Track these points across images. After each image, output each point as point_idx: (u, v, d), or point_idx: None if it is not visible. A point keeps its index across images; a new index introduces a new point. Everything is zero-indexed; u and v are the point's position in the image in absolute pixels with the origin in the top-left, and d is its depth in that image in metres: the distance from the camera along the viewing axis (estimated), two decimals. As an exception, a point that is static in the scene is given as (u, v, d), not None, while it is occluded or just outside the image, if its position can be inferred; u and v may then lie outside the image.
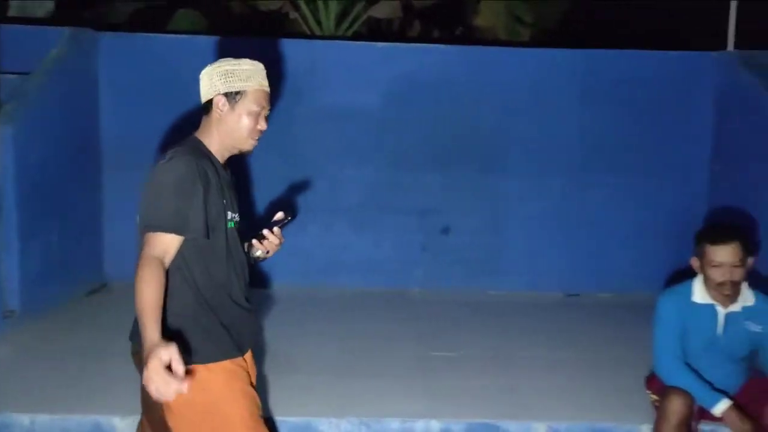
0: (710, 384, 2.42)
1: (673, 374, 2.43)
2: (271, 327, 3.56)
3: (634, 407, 2.72)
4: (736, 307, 2.46)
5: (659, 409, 2.38)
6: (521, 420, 2.61)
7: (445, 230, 4.53)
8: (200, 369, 1.69)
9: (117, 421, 2.50)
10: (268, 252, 1.95)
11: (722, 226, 2.42)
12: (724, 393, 2.40)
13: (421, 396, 2.80)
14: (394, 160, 4.49)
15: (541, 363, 3.23)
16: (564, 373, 3.12)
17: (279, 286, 4.41)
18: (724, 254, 2.36)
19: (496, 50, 4.74)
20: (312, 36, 5.86)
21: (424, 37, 6.56)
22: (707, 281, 2.44)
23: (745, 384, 2.52)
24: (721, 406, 2.33)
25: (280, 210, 1.96)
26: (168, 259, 1.66)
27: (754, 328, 2.45)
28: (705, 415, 2.43)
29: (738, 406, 2.37)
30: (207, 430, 1.70)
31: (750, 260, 2.42)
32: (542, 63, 4.48)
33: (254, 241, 1.92)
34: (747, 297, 2.48)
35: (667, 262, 4.27)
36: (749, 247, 2.43)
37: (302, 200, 4.40)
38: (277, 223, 1.93)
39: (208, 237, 1.71)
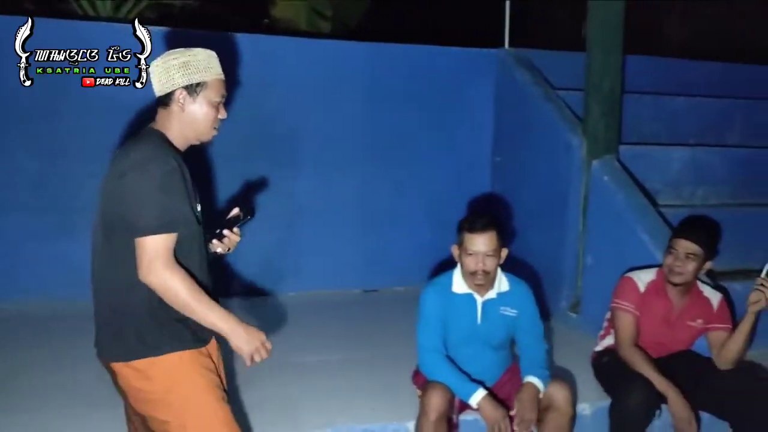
0: (468, 375, 2.42)
1: (433, 369, 2.41)
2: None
3: (403, 404, 2.65)
4: (491, 294, 2.49)
5: (420, 405, 2.33)
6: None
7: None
8: (160, 360, 1.73)
9: None
10: (228, 249, 1.96)
11: (480, 215, 2.43)
12: (481, 383, 2.41)
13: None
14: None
15: (325, 366, 3.10)
16: (345, 374, 3.01)
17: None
18: (479, 243, 2.37)
19: (280, 40, 4.54)
20: (83, 17, 5.25)
21: (221, 25, 6.19)
22: (463, 269, 2.45)
23: (506, 371, 2.56)
24: (476, 397, 2.33)
25: (236, 206, 1.97)
26: (171, 257, 1.67)
27: (510, 312, 2.51)
28: (466, 406, 2.42)
29: (493, 395, 2.39)
30: (188, 417, 1.74)
31: (504, 251, 2.46)
32: (328, 55, 4.36)
33: (214, 241, 1.92)
34: (502, 283, 2.52)
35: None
36: (504, 238, 2.47)
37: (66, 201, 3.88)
38: (235, 221, 1.94)
39: (199, 223, 1.78)
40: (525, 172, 4.35)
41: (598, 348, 2.84)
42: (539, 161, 4.17)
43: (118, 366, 1.75)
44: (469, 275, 2.42)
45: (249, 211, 1.96)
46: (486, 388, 2.40)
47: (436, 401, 2.27)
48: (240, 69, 4.18)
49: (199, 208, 1.81)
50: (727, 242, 3.91)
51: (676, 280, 2.65)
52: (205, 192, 4.14)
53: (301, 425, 2.52)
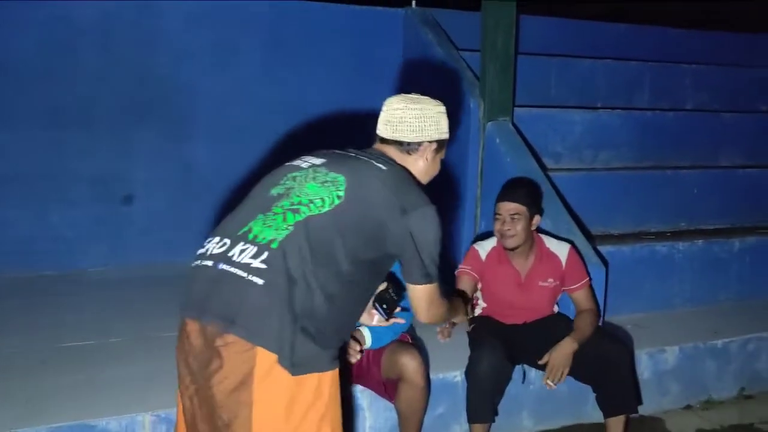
0: None
1: None
2: None
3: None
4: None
5: None
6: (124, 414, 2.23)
7: (128, 199, 4.04)
8: None
9: None
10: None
11: None
12: None
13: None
14: (57, 120, 3.86)
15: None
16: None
17: None
18: None
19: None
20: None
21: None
22: None
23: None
24: None
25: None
26: None
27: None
28: None
29: None
30: None
31: None
32: (224, 11, 4.12)
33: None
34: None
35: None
36: None
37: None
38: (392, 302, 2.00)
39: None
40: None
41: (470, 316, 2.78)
42: (441, 124, 4.06)
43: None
44: None
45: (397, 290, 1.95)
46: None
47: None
48: (124, 24, 3.93)
49: None
50: (625, 205, 3.92)
51: (509, 243, 2.64)
52: (85, 162, 3.92)
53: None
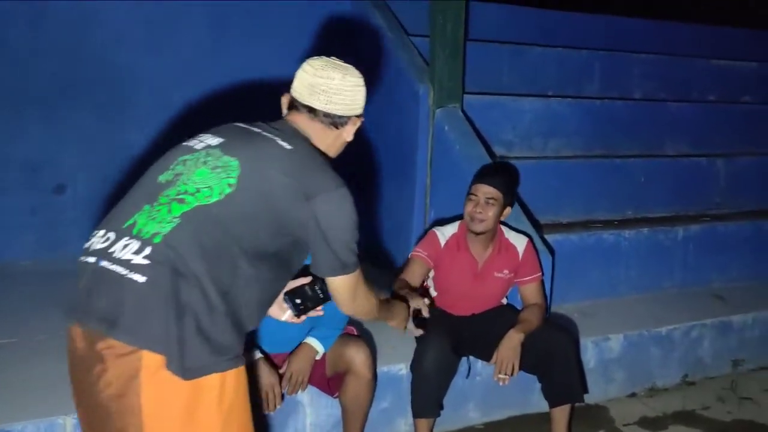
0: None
1: None
2: None
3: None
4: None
5: None
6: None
7: (60, 189, 3.83)
8: None
9: None
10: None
11: None
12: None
13: None
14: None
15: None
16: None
17: None
18: None
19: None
20: None
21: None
22: None
23: None
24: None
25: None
26: None
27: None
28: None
29: (269, 359, 2.25)
30: None
31: None
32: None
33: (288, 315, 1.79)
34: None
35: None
36: None
37: None
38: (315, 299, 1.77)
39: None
40: (381, 124, 4.15)
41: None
42: (392, 112, 3.98)
43: None
44: None
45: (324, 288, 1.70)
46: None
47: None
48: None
49: None
50: (574, 194, 3.92)
51: (478, 228, 2.56)
52: (9, 144, 3.70)
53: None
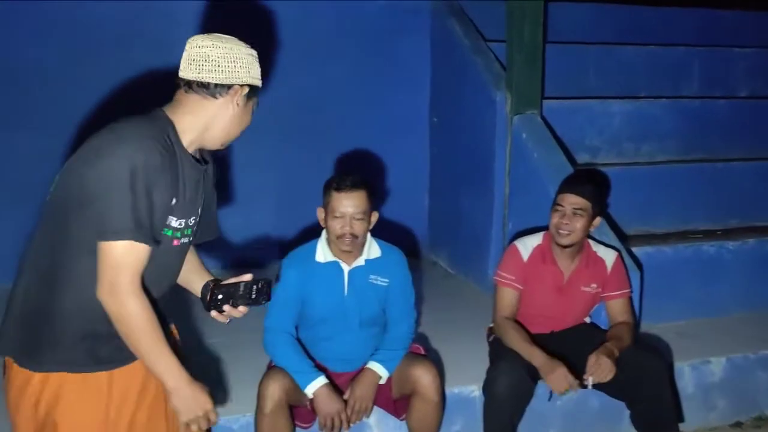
0: (312, 361, 2.21)
1: (273, 351, 2.19)
2: None
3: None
4: (360, 262, 2.24)
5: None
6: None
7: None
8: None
9: None
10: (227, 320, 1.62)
11: (349, 173, 2.18)
12: (318, 369, 2.17)
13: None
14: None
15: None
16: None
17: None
18: (347, 204, 2.12)
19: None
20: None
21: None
22: (329, 234, 2.20)
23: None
24: (311, 387, 2.10)
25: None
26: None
27: (380, 282, 2.26)
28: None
29: (334, 385, 2.17)
30: None
31: (375, 214, 2.22)
32: (241, 7, 4.02)
33: (213, 312, 1.58)
34: (372, 249, 2.27)
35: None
36: (374, 200, 2.22)
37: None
38: (246, 296, 1.54)
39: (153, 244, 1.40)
40: (458, 133, 4.05)
41: (492, 324, 2.58)
42: (468, 120, 3.87)
43: None
44: (335, 240, 2.17)
45: (265, 290, 1.56)
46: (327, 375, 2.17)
47: (272, 390, 2.04)
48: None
49: (176, 223, 1.48)
50: (669, 202, 3.64)
51: (564, 241, 2.38)
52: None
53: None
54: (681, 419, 2.46)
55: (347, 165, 4.22)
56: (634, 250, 3.08)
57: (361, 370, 2.20)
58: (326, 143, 4.22)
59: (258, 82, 1.55)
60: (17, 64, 3.65)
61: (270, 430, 2.06)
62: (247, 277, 1.60)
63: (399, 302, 2.27)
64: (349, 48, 4.24)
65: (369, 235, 2.26)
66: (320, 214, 2.22)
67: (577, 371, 2.29)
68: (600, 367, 2.23)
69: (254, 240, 4.02)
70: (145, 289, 1.41)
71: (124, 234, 1.33)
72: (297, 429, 2.21)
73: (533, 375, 2.29)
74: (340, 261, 2.23)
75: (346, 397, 2.16)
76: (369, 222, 2.19)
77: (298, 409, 2.18)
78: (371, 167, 4.30)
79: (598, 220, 2.43)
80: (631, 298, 2.52)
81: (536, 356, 2.27)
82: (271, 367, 2.17)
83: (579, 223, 2.36)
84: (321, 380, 2.10)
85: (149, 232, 1.37)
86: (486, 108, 3.59)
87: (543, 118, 3.42)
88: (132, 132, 1.39)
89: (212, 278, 1.67)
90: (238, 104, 1.51)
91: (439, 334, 2.94)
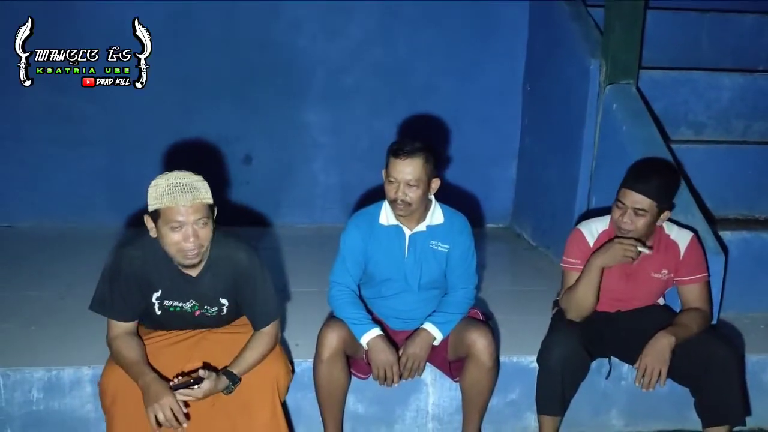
0: (371, 314, 2.29)
1: (335, 303, 2.28)
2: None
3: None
4: (421, 227, 2.28)
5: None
6: None
7: (247, 159, 4.25)
8: None
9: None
10: None
11: (409, 140, 2.19)
12: (377, 325, 2.23)
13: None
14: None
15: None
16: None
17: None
18: (401, 169, 2.15)
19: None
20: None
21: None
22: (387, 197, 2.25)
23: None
24: (366, 337, 2.17)
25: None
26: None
27: (441, 248, 2.29)
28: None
29: (391, 340, 2.23)
30: None
31: (435, 181, 2.22)
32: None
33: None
34: (436, 215, 2.29)
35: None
36: (436, 167, 2.22)
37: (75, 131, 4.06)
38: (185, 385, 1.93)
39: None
40: (550, 102, 3.93)
41: (557, 298, 2.53)
42: (561, 89, 3.73)
43: None
44: (390, 204, 2.22)
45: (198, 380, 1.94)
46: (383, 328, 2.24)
47: (330, 338, 2.15)
48: None
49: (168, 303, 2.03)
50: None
51: (626, 236, 2.25)
52: (206, 121, 4.12)
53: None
54: (748, 412, 2.30)
55: (437, 132, 4.24)
56: (729, 234, 2.88)
57: (417, 329, 2.26)
58: (417, 109, 4.26)
59: (153, 206, 1.84)
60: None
61: (326, 376, 2.18)
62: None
63: (459, 268, 2.29)
64: (445, 14, 4.21)
65: (434, 200, 2.29)
66: (384, 176, 2.27)
67: (637, 353, 2.22)
68: (647, 369, 2.17)
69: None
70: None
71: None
72: (354, 379, 2.32)
73: (589, 349, 2.24)
74: (402, 225, 2.27)
75: (400, 354, 2.23)
76: (426, 189, 2.17)
77: (355, 360, 2.29)
78: (461, 135, 4.29)
79: (666, 213, 2.26)
80: (708, 284, 2.36)
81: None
82: (331, 317, 2.27)
83: (641, 222, 2.20)
84: (375, 331, 2.18)
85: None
86: (579, 77, 3.44)
87: (638, 89, 3.24)
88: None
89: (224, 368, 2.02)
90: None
91: (507, 304, 2.94)
